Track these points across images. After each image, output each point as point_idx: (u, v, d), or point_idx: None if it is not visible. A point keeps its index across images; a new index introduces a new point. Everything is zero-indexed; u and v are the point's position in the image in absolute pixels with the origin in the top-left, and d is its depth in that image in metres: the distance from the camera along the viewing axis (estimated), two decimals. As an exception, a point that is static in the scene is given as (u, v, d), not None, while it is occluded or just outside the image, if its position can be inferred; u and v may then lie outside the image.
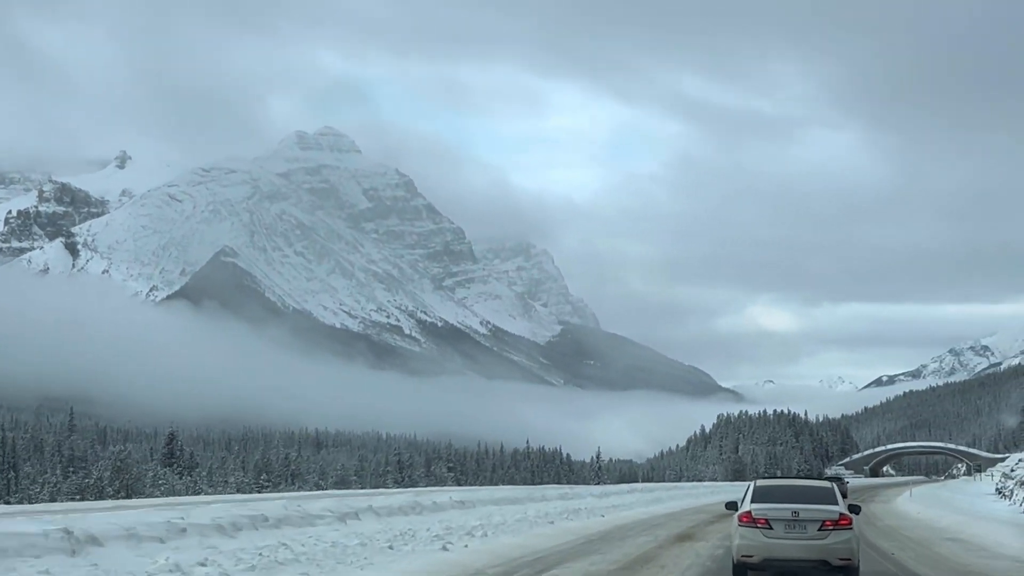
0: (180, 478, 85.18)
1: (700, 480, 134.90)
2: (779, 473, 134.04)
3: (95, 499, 66.08)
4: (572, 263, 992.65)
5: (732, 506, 19.44)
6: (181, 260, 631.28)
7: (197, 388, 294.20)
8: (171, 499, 53.31)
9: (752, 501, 17.97)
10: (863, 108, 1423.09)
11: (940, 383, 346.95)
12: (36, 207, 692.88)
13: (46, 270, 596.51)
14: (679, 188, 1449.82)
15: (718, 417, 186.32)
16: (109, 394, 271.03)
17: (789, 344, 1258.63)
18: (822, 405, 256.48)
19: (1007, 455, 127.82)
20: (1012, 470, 78.39)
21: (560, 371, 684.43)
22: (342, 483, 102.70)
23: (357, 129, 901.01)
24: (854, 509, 18.41)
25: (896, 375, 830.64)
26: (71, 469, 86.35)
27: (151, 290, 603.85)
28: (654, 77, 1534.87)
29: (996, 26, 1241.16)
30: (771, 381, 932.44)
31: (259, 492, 80.00)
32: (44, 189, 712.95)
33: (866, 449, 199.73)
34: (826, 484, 19.04)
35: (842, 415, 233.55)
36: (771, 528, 17.30)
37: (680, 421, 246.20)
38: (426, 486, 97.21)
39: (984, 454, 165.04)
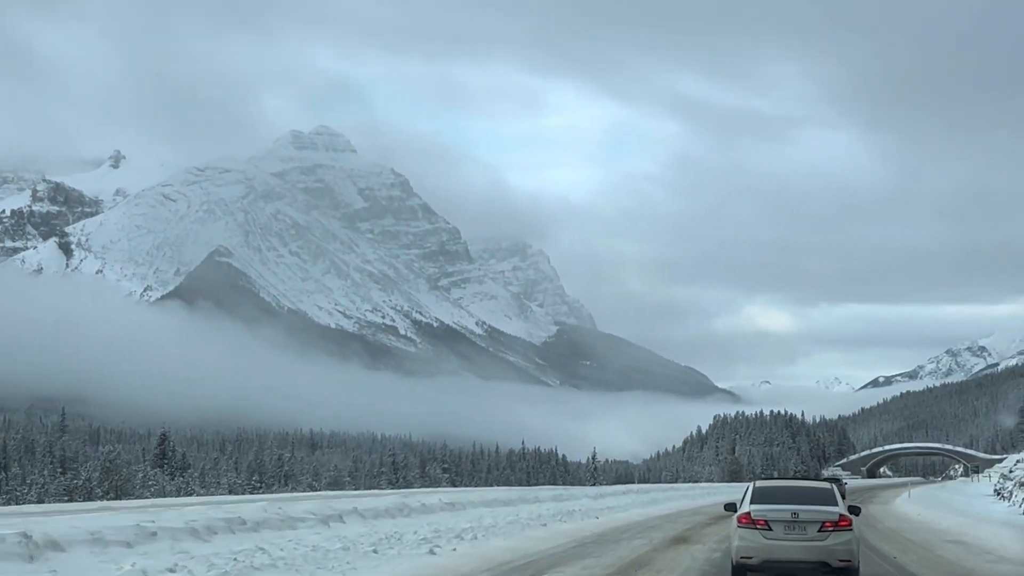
0: (172, 479, 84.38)
1: (696, 481, 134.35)
2: (776, 474, 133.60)
3: (84, 500, 65.42)
4: (568, 263, 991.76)
5: (731, 507, 19.14)
6: (175, 260, 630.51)
7: (191, 388, 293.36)
8: (159, 500, 52.50)
9: (751, 502, 17.83)
10: (861, 108, 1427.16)
11: (937, 384, 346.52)
12: (30, 206, 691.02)
13: (40, 270, 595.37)
14: (676, 188, 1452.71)
15: (715, 418, 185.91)
16: (103, 394, 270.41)
17: (786, 345, 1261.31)
18: (819, 406, 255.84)
19: (1004, 456, 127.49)
20: (1010, 471, 77.97)
21: (556, 372, 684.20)
22: (335, 484, 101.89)
23: (353, 128, 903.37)
24: (854, 510, 18.21)
25: (893, 376, 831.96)
26: (60, 470, 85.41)
27: (145, 290, 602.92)
28: (651, 77, 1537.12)
29: (995, 25, 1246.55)
30: (768, 382, 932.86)
31: (252, 493, 79.30)
32: (38, 188, 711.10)
33: (863, 450, 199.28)
34: (826, 485, 18.88)
35: (839, 416, 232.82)
36: (771, 529, 17.18)
37: (676, 422, 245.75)
38: (421, 487, 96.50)
39: (981, 455, 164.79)
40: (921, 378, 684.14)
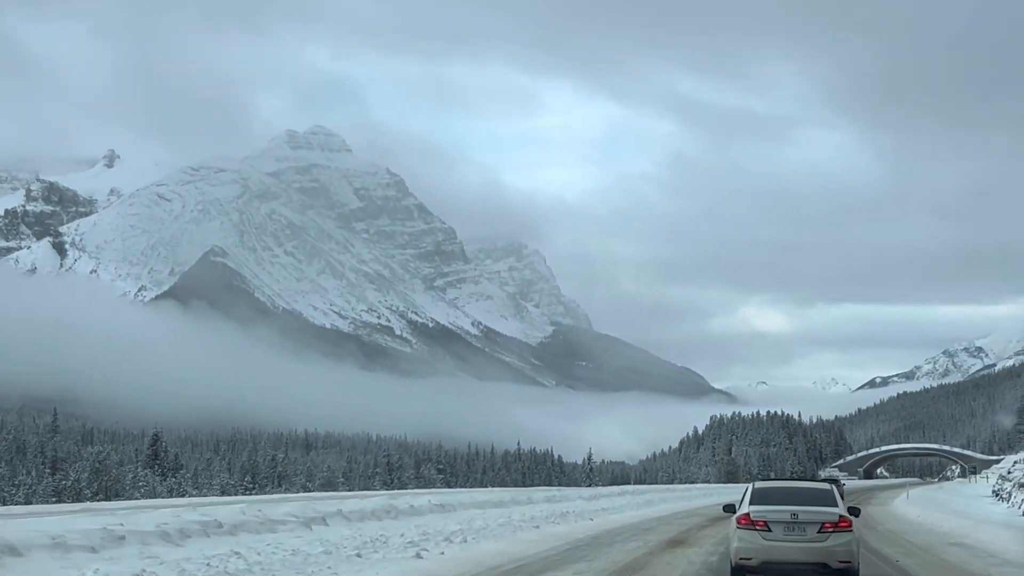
0: (163, 480, 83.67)
1: (693, 482, 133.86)
2: (772, 475, 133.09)
3: (73, 501, 64.75)
4: (564, 263, 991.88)
5: (730, 508, 19.00)
6: (170, 260, 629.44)
7: (186, 389, 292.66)
8: (145, 502, 51.79)
9: (751, 503, 17.76)
10: (858, 107, 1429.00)
11: (934, 384, 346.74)
12: (24, 206, 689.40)
13: (33, 270, 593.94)
14: (672, 188, 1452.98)
15: (711, 419, 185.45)
16: (97, 395, 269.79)
17: (782, 345, 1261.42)
18: (815, 406, 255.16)
19: (1002, 457, 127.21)
20: (1009, 472, 77.51)
21: (552, 372, 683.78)
22: (329, 485, 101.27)
23: (348, 128, 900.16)
24: (853, 511, 18.19)
25: (890, 376, 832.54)
26: (47, 471, 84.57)
27: (139, 290, 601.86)
28: (648, 76, 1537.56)
29: (992, 25, 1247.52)
30: (764, 382, 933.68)
31: (246, 494, 78.62)
32: (32, 188, 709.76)
33: (860, 451, 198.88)
34: (825, 486, 18.81)
35: (835, 417, 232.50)
36: (770, 530, 17.13)
37: (673, 422, 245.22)
38: (415, 488, 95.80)
39: (979, 456, 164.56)
40: (918, 379, 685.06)
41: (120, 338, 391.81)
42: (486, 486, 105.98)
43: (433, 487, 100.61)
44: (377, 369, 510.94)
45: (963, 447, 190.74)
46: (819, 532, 16.95)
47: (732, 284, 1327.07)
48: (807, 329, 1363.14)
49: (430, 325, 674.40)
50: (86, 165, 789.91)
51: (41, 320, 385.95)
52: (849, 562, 16.98)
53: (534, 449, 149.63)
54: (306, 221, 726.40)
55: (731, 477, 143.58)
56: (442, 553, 21.56)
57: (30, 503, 64.22)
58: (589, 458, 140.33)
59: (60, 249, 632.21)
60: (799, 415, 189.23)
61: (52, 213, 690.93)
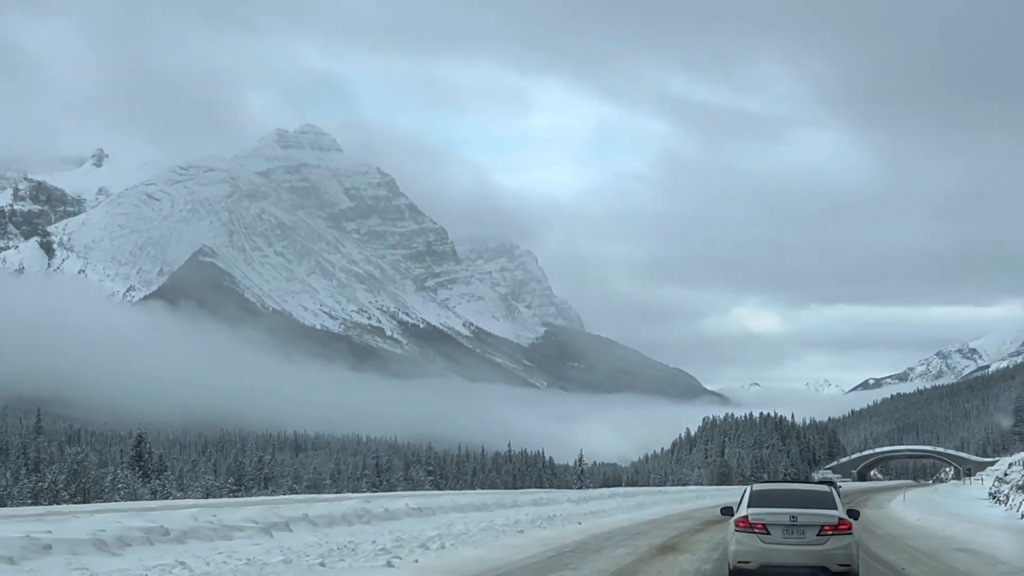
0: (147, 482, 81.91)
1: (685, 484, 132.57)
2: (766, 476, 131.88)
3: (50, 503, 63.15)
4: (556, 264, 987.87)
5: (728, 511, 18.66)
6: (158, 260, 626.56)
7: (174, 390, 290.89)
8: (119, 504, 50.12)
9: (749, 506, 17.57)
10: (851, 107, 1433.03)
11: (927, 386, 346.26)
12: (11, 205, 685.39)
13: (21, 270, 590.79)
14: (665, 188, 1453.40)
15: (703, 420, 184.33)
16: (84, 395, 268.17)
17: (775, 346, 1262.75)
18: (808, 408, 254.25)
19: (996, 459, 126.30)
20: (1005, 474, 76.39)
21: (544, 373, 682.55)
22: (315, 487, 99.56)
23: (338, 127, 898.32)
24: (853, 514, 17.99)
25: (883, 378, 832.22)
26: (28, 472, 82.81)
27: (128, 290, 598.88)
28: (640, 75, 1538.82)
29: (985, 25, 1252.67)
30: (757, 384, 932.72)
31: (232, 496, 77.06)
32: (19, 187, 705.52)
33: (853, 453, 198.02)
34: (824, 488, 18.60)
35: (829, 418, 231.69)
36: (768, 533, 16.97)
37: (665, 424, 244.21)
38: (404, 491, 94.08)
39: (973, 458, 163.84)
40: (911, 380, 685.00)
41: (108, 338, 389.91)
42: (476, 488, 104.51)
43: (422, 489, 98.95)
44: (367, 370, 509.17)
45: (957, 449, 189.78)
46: (818, 535, 16.74)
47: (725, 285, 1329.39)
48: (800, 330, 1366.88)
49: (421, 326, 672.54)
50: (74, 164, 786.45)
51: (29, 320, 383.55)
52: (849, 565, 16.81)
53: (525, 451, 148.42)
54: (296, 221, 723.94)
55: (724, 479, 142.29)
56: (416, 561, 20.12)
57: (4, 505, 62.54)
58: (580, 460, 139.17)
59: (48, 249, 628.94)
60: (792, 417, 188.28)
61: (40, 212, 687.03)
